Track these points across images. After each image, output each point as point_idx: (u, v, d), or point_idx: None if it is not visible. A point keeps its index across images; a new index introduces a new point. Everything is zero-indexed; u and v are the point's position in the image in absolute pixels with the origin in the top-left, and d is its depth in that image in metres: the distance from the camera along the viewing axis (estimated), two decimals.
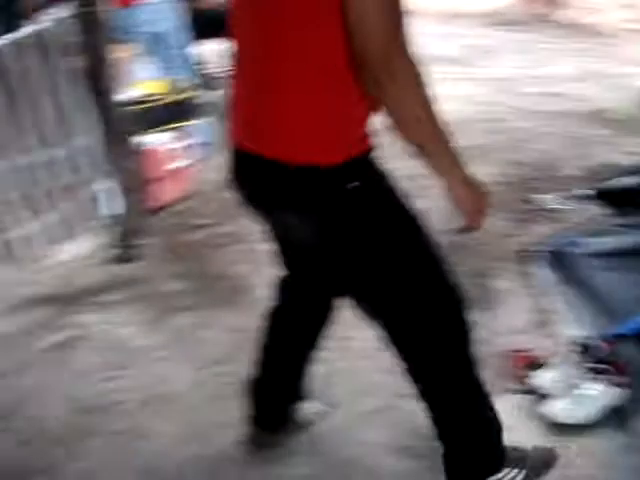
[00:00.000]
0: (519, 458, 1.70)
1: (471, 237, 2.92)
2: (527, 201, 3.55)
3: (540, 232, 3.23)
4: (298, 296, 1.77)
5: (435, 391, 1.58)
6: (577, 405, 1.98)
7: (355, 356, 1.90)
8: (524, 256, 2.98)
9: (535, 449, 1.80)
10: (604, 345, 2.16)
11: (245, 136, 1.41)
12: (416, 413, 1.70)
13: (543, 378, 2.11)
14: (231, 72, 1.45)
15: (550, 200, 3.50)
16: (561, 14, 8.78)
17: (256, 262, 2.90)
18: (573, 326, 2.42)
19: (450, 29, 8.53)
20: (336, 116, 1.27)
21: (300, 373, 1.88)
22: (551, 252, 2.91)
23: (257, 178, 1.40)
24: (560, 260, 2.84)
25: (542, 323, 2.52)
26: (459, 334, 1.51)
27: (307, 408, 2.00)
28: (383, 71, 1.16)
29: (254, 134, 1.37)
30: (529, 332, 2.47)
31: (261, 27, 1.27)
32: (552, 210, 3.43)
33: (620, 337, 2.28)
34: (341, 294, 1.60)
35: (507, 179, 3.78)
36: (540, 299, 2.66)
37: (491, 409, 1.63)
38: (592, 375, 2.04)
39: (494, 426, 1.64)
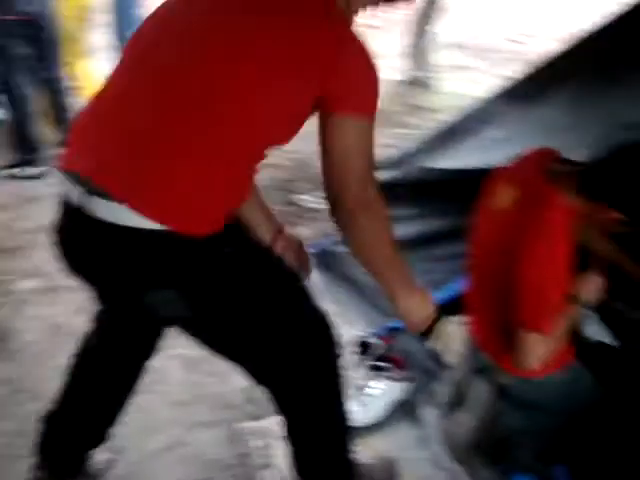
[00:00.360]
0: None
1: None
2: (288, 203, 3.61)
3: (304, 234, 3.28)
4: (118, 335, 1.61)
5: (303, 425, 1.53)
6: (364, 407, 2.04)
7: (141, 391, 1.74)
8: None
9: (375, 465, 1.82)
10: (381, 341, 2.27)
11: (104, 180, 1.20)
12: (208, 444, 1.64)
13: None
14: (98, 93, 1.30)
15: (309, 200, 3.59)
16: None
17: (16, 303, 2.57)
18: (349, 326, 2.50)
19: None
20: (228, 190, 1.26)
21: (107, 416, 1.69)
22: (316, 253, 2.97)
23: (110, 246, 1.23)
24: (327, 261, 2.91)
25: None
26: (331, 380, 1.50)
27: (97, 456, 1.79)
28: (358, 203, 1.27)
29: (127, 187, 1.19)
30: None
31: (185, 82, 1.20)
32: (313, 210, 3.52)
33: (395, 331, 2.43)
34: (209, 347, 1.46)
35: (264, 182, 3.79)
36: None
37: (350, 450, 1.61)
38: (374, 374, 2.13)
39: (352, 467, 1.63)
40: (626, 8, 2.12)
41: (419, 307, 1.46)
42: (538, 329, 1.53)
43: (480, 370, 1.84)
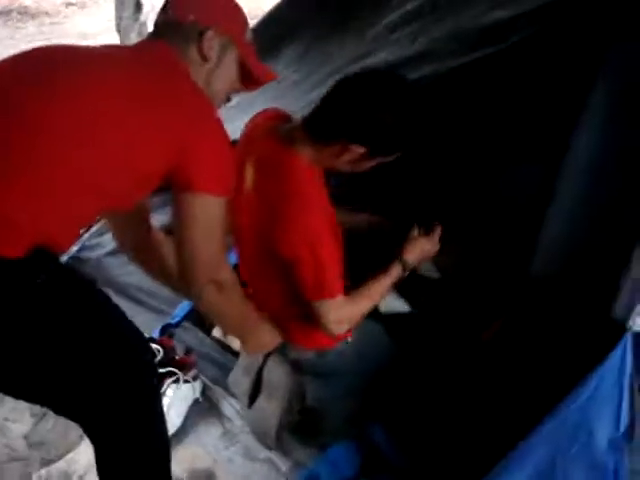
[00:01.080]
0: None
1: None
2: None
3: None
4: None
5: (124, 452, 1.37)
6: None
7: None
8: None
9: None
10: (163, 343, 2.11)
11: None
12: None
13: None
14: None
15: None
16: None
17: None
18: None
19: None
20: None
21: None
22: (67, 264, 2.68)
23: None
24: (80, 270, 2.63)
25: None
26: (149, 404, 1.39)
27: None
28: (193, 294, 1.38)
29: None
30: None
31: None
32: None
33: (172, 327, 2.29)
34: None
35: None
36: None
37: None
38: (162, 381, 1.96)
39: None
40: None
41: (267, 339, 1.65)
42: (324, 296, 1.48)
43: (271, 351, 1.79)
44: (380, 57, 1.79)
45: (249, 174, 1.54)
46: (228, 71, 1.35)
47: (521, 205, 1.94)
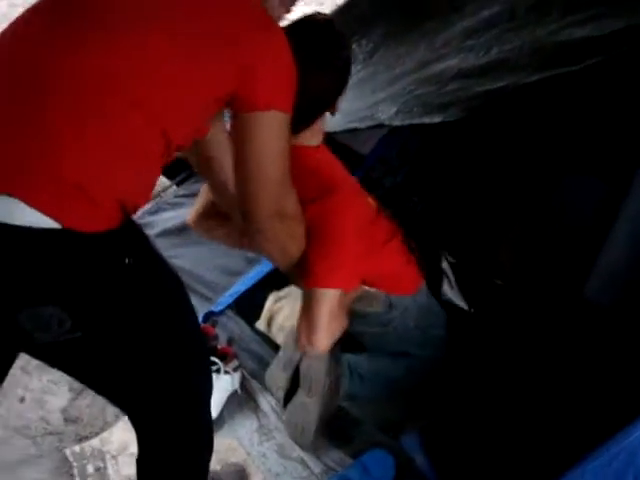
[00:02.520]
0: None
1: None
2: None
3: None
4: None
5: (170, 450, 1.36)
6: None
7: None
8: None
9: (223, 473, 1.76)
10: (207, 330, 2.16)
11: None
12: None
13: None
14: None
15: None
16: None
17: None
18: None
19: None
20: (127, 182, 1.09)
21: None
22: None
23: None
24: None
25: None
26: (204, 403, 1.39)
27: None
28: (255, 229, 1.32)
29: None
30: None
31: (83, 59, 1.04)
32: None
33: (217, 315, 2.33)
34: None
35: None
36: None
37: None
38: None
39: None
40: None
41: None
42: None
43: None
44: (451, 63, 1.78)
45: None
46: None
47: (583, 218, 1.93)
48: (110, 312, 1.09)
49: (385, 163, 2.78)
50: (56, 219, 0.97)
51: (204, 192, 1.70)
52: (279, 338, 2.15)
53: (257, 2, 1.21)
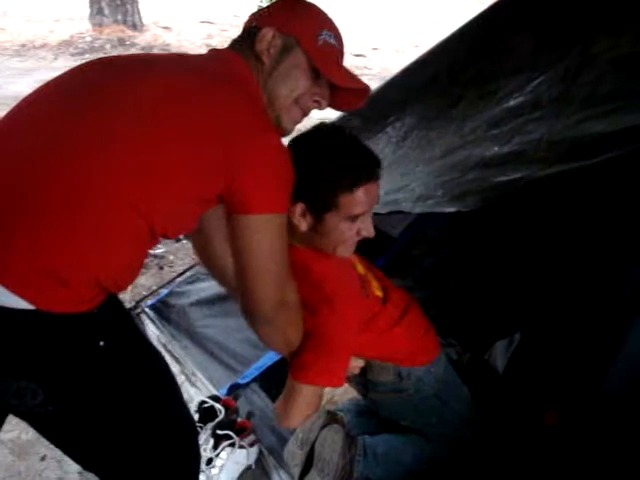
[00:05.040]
0: None
1: None
2: None
3: (146, 284, 3.17)
4: None
5: None
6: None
7: None
8: (133, 315, 2.88)
9: None
10: (227, 403, 2.20)
11: None
12: None
13: None
14: None
15: None
16: (138, 36, 9.01)
17: None
18: (193, 387, 2.42)
19: (28, 63, 8.11)
20: (105, 269, 1.13)
21: None
22: (155, 307, 2.87)
23: None
24: (166, 314, 2.82)
25: None
26: None
27: None
28: (257, 321, 1.34)
29: None
30: None
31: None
32: (155, 256, 3.40)
33: (240, 387, 2.38)
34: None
35: None
36: None
37: None
38: (219, 443, 2.05)
39: None
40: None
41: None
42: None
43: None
44: (475, 152, 1.83)
45: None
46: (289, 74, 1.29)
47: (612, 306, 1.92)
48: (80, 391, 1.15)
49: (427, 242, 2.82)
50: (31, 302, 1.05)
51: None
52: None
53: (252, 104, 1.23)
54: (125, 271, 1.18)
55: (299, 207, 1.46)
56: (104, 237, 1.10)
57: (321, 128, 1.54)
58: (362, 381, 1.85)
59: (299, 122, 1.36)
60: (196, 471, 1.45)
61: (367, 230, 1.51)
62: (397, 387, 1.80)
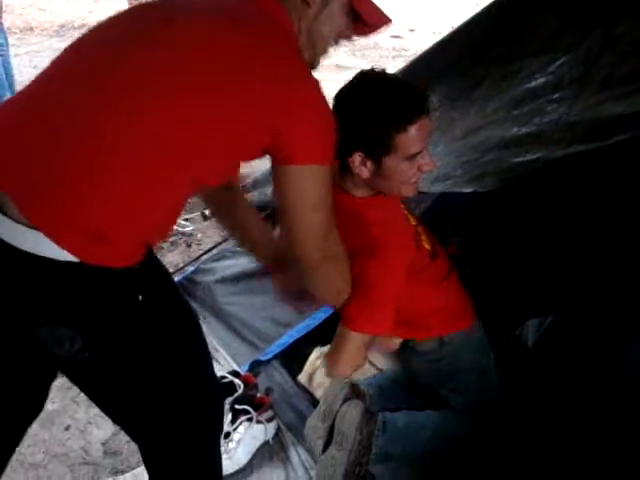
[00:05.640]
0: None
1: None
2: None
3: (173, 261, 3.22)
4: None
5: None
6: (227, 454, 1.99)
7: None
8: None
9: None
10: (247, 379, 2.24)
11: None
12: None
13: None
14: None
15: (179, 223, 3.47)
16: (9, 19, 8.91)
17: None
18: (216, 363, 2.45)
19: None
20: (150, 221, 1.18)
21: None
22: (181, 283, 2.91)
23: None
24: (192, 291, 2.86)
25: None
26: (211, 447, 1.50)
27: None
28: (306, 270, 1.34)
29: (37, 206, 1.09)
30: None
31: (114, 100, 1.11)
32: (183, 234, 3.45)
33: (261, 364, 2.42)
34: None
35: None
36: None
37: None
38: (237, 417, 2.09)
39: None
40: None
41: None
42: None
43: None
44: (495, 132, 1.82)
45: None
46: (334, 15, 1.28)
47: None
48: (115, 341, 1.19)
49: (454, 222, 2.81)
50: (76, 255, 1.08)
51: None
52: (318, 393, 2.20)
53: (287, 49, 1.21)
54: (165, 223, 1.23)
55: (357, 156, 1.50)
56: (149, 192, 1.13)
57: (364, 76, 1.54)
58: (403, 350, 1.85)
59: None
60: (215, 439, 1.50)
61: (427, 165, 1.54)
62: (438, 355, 1.81)
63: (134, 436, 1.49)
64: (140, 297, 1.18)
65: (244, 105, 1.14)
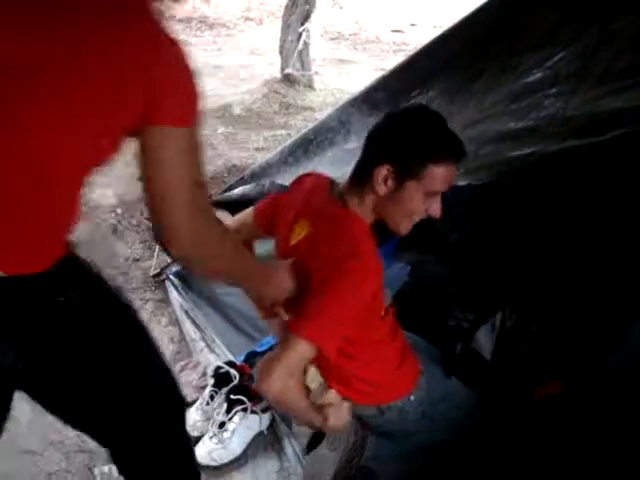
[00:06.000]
0: None
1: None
2: (149, 219, 3.53)
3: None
4: None
5: None
6: (222, 444, 2.02)
7: None
8: (158, 281, 2.96)
9: None
10: (243, 369, 2.25)
11: None
12: None
13: (188, 420, 2.09)
14: None
15: None
16: (177, 8, 9.06)
17: None
18: (212, 354, 2.48)
19: None
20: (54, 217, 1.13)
21: None
22: (179, 274, 2.92)
23: None
24: (189, 281, 2.87)
25: (184, 355, 2.52)
26: (177, 438, 1.50)
27: None
28: (193, 243, 1.16)
29: None
30: (172, 367, 2.44)
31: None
32: None
33: (257, 355, 2.42)
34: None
35: (131, 197, 3.68)
36: (179, 328, 2.66)
37: None
38: (232, 407, 2.10)
39: None
40: None
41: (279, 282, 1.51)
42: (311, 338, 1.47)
43: None
44: (492, 126, 1.82)
45: (300, 229, 1.63)
46: None
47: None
48: (47, 346, 1.19)
49: (452, 218, 2.81)
50: None
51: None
52: (313, 385, 2.20)
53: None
54: (66, 217, 1.16)
55: (385, 169, 1.51)
56: (36, 198, 1.08)
57: (415, 108, 1.66)
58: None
59: None
60: (179, 423, 1.49)
61: (435, 210, 1.57)
62: (380, 421, 1.76)
63: (99, 438, 1.46)
64: (61, 298, 1.16)
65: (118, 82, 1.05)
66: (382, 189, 1.53)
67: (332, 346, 1.49)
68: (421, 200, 1.54)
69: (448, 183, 1.56)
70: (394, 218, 1.59)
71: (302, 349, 1.46)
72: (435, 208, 1.57)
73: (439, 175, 1.52)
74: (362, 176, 1.57)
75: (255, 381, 1.68)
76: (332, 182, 1.70)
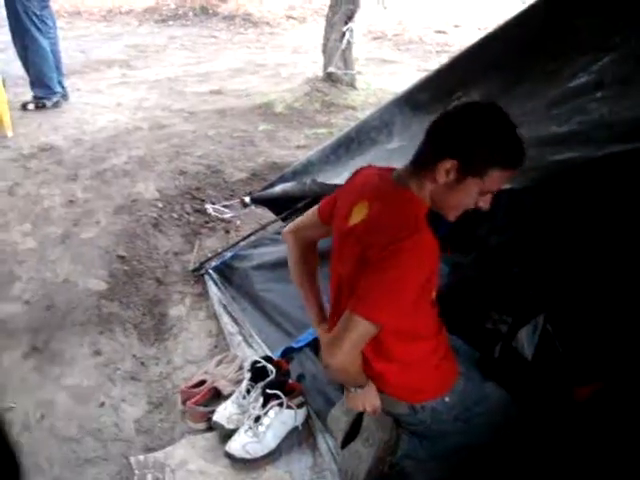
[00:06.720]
0: None
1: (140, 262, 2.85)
2: (195, 212, 3.57)
3: (212, 246, 3.27)
4: None
5: None
6: (257, 437, 2.04)
7: (27, 427, 1.71)
8: (197, 275, 3.00)
9: None
10: (275, 367, 2.27)
11: None
12: None
13: (223, 413, 2.13)
14: None
15: (218, 209, 3.55)
16: (221, 5, 9.19)
17: None
18: (249, 348, 2.50)
19: (114, 29, 8.42)
20: None
21: None
22: (218, 268, 2.96)
23: None
24: (229, 276, 2.91)
25: (222, 349, 2.55)
26: None
27: None
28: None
29: None
30: (208, 361, 2.47)
31: None
32: (222, 220, 3.49)
33: (293, 351, 2.45)
34: None
35: (173, 191, 3.74)
36: (217, 322, 2.70)
37: None
38: (268, 402, 2.12)
39: None
40: None
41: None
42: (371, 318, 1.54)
43: None
44: (533, 130, 1.80)
45: (359, 210, 1.67)
46: None
47: None
48: None
49: (491, 221, 2.79)
50: None
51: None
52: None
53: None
54: None
55: (449, 163, 1.55)
56: None
57: (487, 106, 1.63)
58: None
59: None
60: None
61: (485, 204, 1.62)
62: (413, 420, 1.79)
63: None
64: None
65: None
66: (442, 178, 1.57)
67: (392, 322, 1.58)
68: (476, 195, 1.59)
69: (503, 184, 1.60)
70: (448, 205, 1.64)
71: (364, 328, 1.54)
72: (485, 201, 1.61)
73: (500, 178, 1.56)
74: (424, 164, 1.60)
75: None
76: (391, 169, 1.73)
